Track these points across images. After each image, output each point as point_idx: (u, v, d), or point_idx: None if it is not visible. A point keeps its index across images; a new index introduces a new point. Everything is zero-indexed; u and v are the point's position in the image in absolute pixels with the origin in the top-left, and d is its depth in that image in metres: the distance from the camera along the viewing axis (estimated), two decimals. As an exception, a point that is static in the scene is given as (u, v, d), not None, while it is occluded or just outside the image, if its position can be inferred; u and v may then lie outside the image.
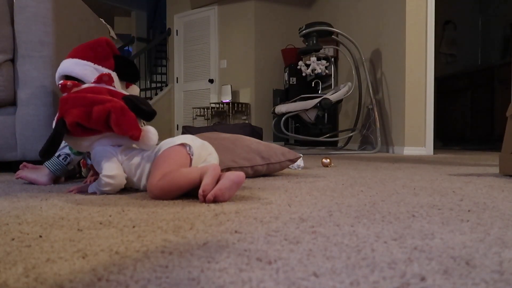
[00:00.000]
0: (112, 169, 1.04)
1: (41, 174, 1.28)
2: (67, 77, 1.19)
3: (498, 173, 1.64)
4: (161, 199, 0.98)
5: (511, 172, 1.52)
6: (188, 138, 1.09)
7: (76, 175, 1.50)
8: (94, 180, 1.17)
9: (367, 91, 3.88)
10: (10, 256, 0.52)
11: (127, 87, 1.33)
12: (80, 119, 1.02)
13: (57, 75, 1.23)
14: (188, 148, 1.06)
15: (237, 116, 5.87)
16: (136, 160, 1.08)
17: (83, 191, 1.11)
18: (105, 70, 1.18)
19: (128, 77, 1.28)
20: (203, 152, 1.09)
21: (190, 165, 1.05)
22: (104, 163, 1.05)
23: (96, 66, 1.18)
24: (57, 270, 0.46)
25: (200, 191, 0.91)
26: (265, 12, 5.85)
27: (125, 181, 1.07)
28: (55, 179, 1.32)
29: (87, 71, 1.17)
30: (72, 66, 1.19)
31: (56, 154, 1.29)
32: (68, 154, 1.29)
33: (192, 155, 1.05)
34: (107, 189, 1.05)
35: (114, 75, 1.19)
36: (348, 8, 4.66)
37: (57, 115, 1.07)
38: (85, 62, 1.18)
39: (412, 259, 0.50)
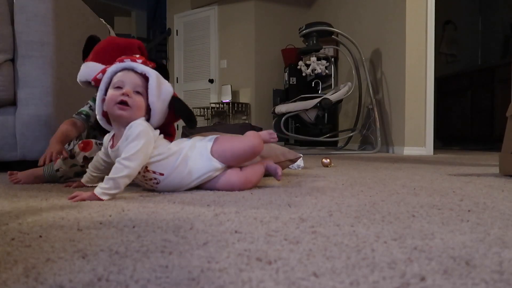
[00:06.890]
0: (135, 147, 0.99)
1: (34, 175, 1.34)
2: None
3: (498, 173, 1.64)
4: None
5: (511, 172, 1.52)
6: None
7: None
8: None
9: (367, 91, 3.88)
10: (10, 256, 0.52)
11: None
12: None
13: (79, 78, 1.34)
14: None
15: (237, 116, 5.87)
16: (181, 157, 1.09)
17: (89, 199, 0.97)
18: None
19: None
20: None
21: None
22: (136, 139, 0.99)
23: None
24: (57, 270, 0.46)
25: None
26: (265, 12, 5.84)
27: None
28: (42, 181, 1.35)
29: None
30: (87, 71, 1.29)
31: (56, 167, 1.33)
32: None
33: None
34: (124, 174, 0.96)
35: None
36: (348, 8, 4.66)
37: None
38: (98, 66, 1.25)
39: (412, 259, 0.50)
